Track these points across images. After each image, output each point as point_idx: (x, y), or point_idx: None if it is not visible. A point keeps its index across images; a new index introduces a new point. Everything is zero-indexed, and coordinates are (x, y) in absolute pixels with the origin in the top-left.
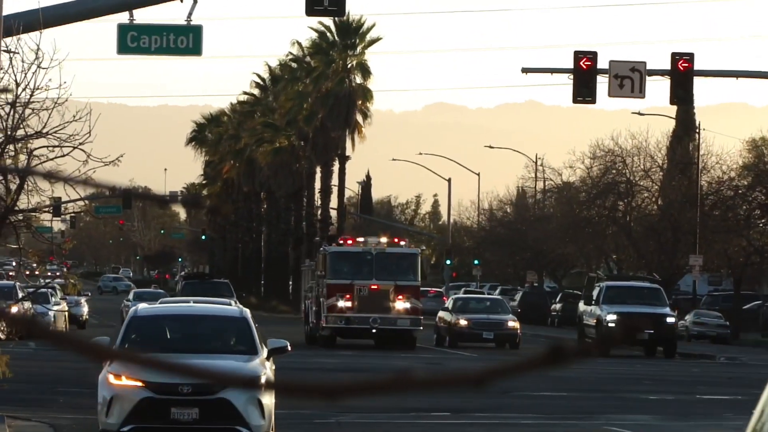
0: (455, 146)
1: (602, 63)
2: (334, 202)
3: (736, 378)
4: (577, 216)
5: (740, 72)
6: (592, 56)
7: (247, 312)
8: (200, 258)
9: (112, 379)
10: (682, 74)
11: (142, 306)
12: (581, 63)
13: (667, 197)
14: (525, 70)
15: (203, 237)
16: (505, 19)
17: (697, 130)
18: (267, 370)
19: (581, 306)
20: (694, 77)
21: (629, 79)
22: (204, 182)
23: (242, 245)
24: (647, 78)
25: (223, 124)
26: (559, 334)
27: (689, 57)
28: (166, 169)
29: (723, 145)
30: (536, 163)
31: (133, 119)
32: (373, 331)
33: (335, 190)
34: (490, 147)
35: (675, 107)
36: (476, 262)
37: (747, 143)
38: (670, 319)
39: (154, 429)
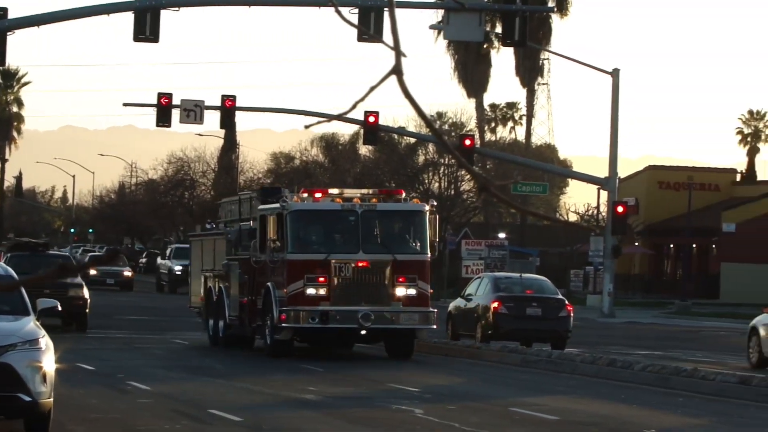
0: (79, 154)
1: (176, 100)
2: None
3: None
4: (158, 201)
5: (266, 108)
6: (169, 96)
7: (12, 271)
8: None
9: None
10: (228, 109)
11: None
12: (162, 100)
13: (217, 189)
14: (125, 104)
15: None
16: (109, 71)
17: (238, 146)
18: (42, 331)
19: (159, 260)
20: (237, 111)
21: (194, 111)
22: None
23: None
24: (206, 111)
25: None
26: (144, 278)
27: (233, 98)
28: None
29: (254, 156)
30: (132, 165)
31: None
32: (363, 332)
33: None
34: (102, 155)
35: (224, 130)
36: (91, 230)
37: (270, 155)
38: None
39: None
